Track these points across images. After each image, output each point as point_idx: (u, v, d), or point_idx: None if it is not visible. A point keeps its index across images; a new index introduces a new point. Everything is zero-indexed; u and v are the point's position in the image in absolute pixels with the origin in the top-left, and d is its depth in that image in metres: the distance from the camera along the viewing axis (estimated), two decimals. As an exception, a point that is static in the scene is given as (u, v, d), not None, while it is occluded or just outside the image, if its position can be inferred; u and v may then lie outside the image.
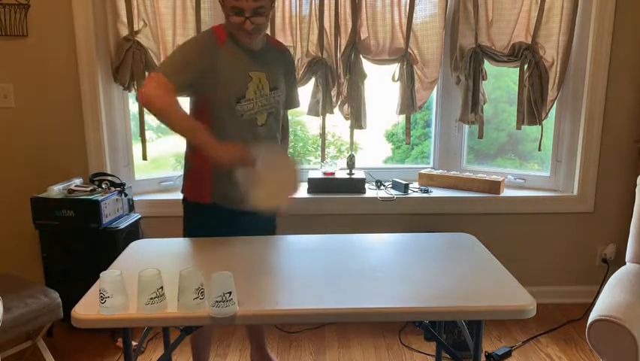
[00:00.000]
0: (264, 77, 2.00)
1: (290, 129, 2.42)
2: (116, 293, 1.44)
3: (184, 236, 2.14)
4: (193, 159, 2.06)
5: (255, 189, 1.85)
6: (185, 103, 1.96)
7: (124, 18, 2.68)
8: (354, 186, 2.92)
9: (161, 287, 1.45)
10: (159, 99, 1.82)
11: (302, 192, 2.92)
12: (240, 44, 1.95)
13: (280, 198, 1.94)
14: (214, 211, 2.05)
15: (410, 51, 2.81)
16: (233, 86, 1.93)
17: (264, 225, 2.20)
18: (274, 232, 2.28)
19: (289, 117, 2.39)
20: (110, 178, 2.72)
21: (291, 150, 2.55)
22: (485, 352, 2.57)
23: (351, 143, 3.01)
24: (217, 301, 1.43)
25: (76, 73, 2.72)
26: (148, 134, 2.86)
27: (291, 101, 2.25)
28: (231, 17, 1.87)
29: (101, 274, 1.45)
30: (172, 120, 1.87)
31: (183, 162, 2.13)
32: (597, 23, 2.73)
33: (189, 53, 1.92)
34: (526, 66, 2.78)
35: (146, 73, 2.69)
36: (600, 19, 2.72)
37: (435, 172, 3.04)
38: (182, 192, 2.14)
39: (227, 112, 1.95)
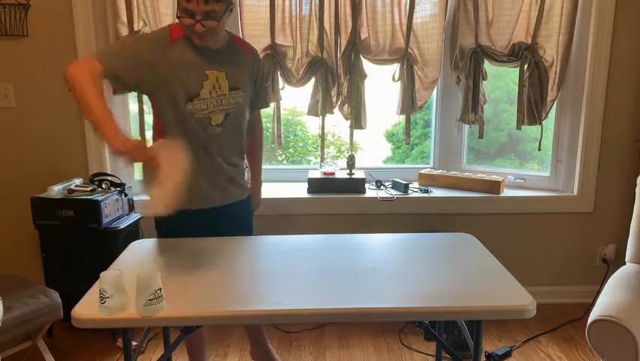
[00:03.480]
0: (223, 76, 1.96)
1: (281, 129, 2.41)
2: (116, 293, 1.44)
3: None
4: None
5: (152, 188, 1.73)
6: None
7: (124, 18, 2.68)
8: (354, 186, 2.92)
9: (160, 288, 1.45)
10: (78, 73, 1.73)
11: (302, 192, 2.93)
12: (194, 43, 1.91)
13: (170, 198, 1.73)
14: (178, 216, 1.96)
15: (410, 51, 2.81)
16: (183, 85, 1.90)
17: (241, 223, 2.19)
18: (251, 231, 2.26)
19: (262, 117, 2.36)
20: (110, 178, 2.72)
21: (268, 148, 2.45)
22: (485, 352, 2.57)
23: (351, 143, 3.01)
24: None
25: (77, 73, 2.72)
26: (148, 134, 2.86)
27: (260, 102, 2.21)
28: (183, 18, 1.84)
29: (101, 275, 1.45)
30: (83, 101, 1.74)
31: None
32: (597, 23, 2.73)
33: (132, 44, 1.91)
34: (526, 66, 2.78)
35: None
36: (600, 19, 2.72)
37: (435, 172, 3.04)
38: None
39: (176, 110, 1.91)
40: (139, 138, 1.91)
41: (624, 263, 2.23)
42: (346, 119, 2.92)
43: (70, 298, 1.88)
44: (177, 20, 1.90)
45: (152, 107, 1.98)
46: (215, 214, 2.09)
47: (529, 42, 2.74)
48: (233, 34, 2.06)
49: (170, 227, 2.04)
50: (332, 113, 2.89)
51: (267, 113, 3.19)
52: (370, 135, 3.22)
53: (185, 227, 2.03)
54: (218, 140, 2.02)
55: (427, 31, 2.79)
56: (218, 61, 1.95)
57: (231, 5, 1.90)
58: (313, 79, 2.84)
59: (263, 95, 2.22)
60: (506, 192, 2.95)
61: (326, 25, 2.76)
